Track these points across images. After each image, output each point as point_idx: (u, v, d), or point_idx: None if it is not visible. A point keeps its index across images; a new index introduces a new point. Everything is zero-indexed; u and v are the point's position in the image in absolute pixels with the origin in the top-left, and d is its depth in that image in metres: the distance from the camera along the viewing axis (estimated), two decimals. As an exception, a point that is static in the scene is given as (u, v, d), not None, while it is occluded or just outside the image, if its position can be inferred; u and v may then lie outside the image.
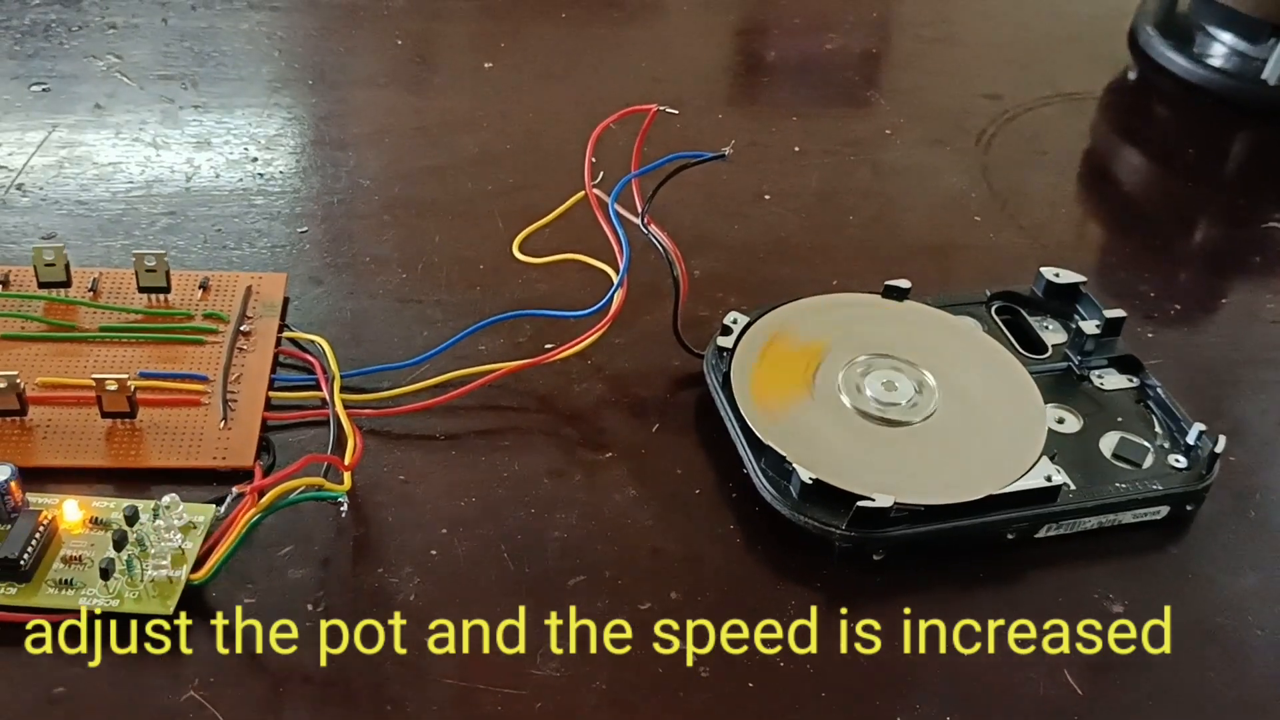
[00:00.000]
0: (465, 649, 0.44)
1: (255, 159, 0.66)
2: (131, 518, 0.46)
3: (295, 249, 0.60)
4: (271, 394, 0.52)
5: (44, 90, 0.70)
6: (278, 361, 0.54)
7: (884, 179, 0.69)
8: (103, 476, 0.49)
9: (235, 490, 0.43)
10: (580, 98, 0.74)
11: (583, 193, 0.57)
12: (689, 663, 0.44)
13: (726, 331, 0.54)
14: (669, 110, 0.54)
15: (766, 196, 0.66)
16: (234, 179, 0.65)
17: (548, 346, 0.55)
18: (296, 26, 0.79)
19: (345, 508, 0.44)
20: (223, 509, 0.45)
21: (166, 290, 0.55)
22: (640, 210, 0.54)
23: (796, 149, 0.70)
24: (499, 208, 0.64)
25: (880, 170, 0.70)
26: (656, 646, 0.45)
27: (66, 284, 0.55)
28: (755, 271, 0.61)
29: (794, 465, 0.48)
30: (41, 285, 0.55)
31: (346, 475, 0.46)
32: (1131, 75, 0.82)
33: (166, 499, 0.45)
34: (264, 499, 0.43)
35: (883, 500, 0.47)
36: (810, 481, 0.48)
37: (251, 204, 0.63)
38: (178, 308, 0.55)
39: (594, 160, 0.54)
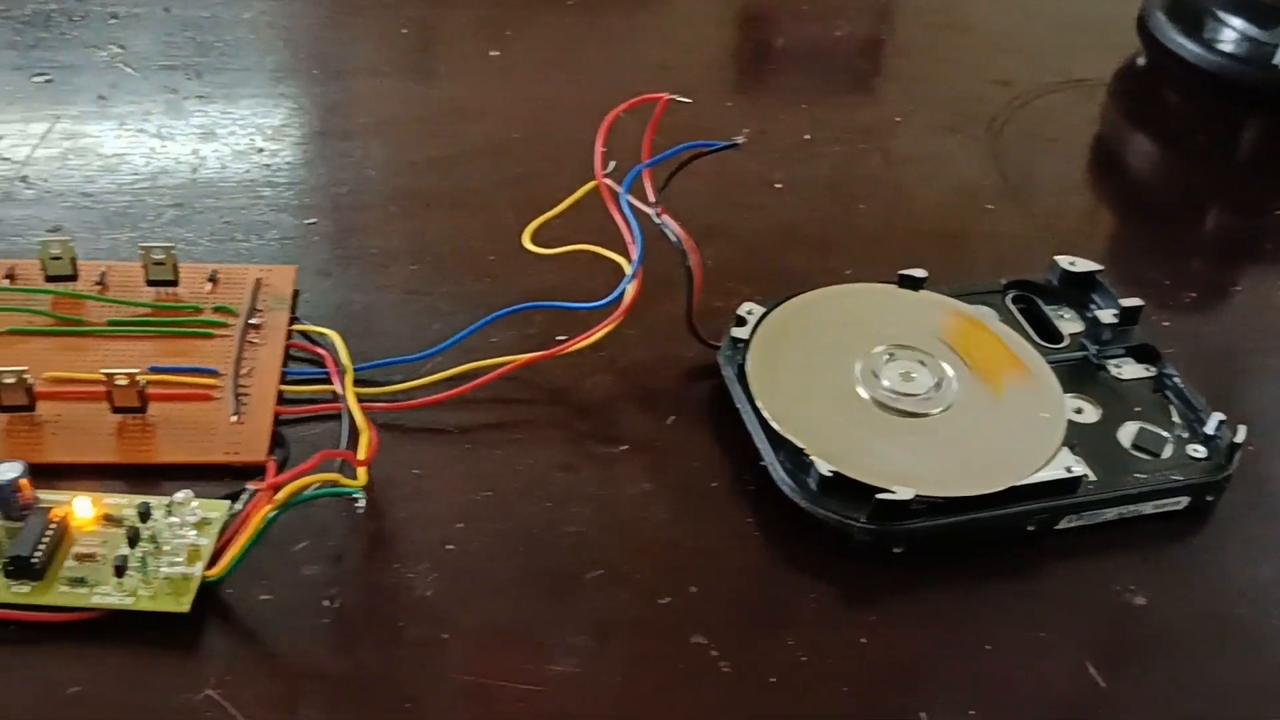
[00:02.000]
0: (483, 644, 0.44)
1: (261, 150, 0.65)
2: (145, 514, 0.45)
3: (304, 241, 0.60)
4: (283, 388, 0.52)
5: (46, 81, 0.69)
6: (288, 355, 0.53)
7: (895, 167, 0.69)
8: (113, 472, 0.48)
9: (250, 486, 0.42)
10: (588, 86, 0.74)
11: (593, 183, 0.56)
12: (710, 657, 0.44)
13: (741, 322, 0.54)
14: (680, 99, 0.54)
15: (777, 185, 0.66)
16: (240, 170, 0.64)
17: (559, 338, 0.55)
18: (299, 15, 0.79)
19: (362, 503, 0.44)
20: (238, 505, 0.44)
21: (174, 284, 0.55)
22: (653, 200, 0.54)
23: (806, 137, 0.69)
24: (508, 198, 0.63)
25: (891, 158, 0.69)
26: (676, 641, 0.44)
27: (74, 278, 0.54)
28: (767, 261, 0.61)
29: (812, 458, 0.48)
30: (49, 279, 0.54)
31: (362, 470, 0.45)
32: (1140, 61, 0.81)
33: (180, 495, 0.45)
34: (279, 495, 0.42)
35: (903, 492, 0.47)
36: (829, 474, 0.47)
37: (259, 196, 0.63)
38: (186, 301, 0.55)
39: (605, 150, 0.54)
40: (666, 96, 0.54)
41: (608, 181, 0.54)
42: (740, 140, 0.53)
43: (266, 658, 0.43)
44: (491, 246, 0.60)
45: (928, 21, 0.84)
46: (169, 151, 0.65)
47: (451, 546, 0.47)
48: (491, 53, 0.75)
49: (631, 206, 0.53)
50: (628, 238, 0.53)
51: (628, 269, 0.53)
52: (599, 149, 0.53)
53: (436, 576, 0.45)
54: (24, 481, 0.45)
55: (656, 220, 0.53)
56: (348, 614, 0.44)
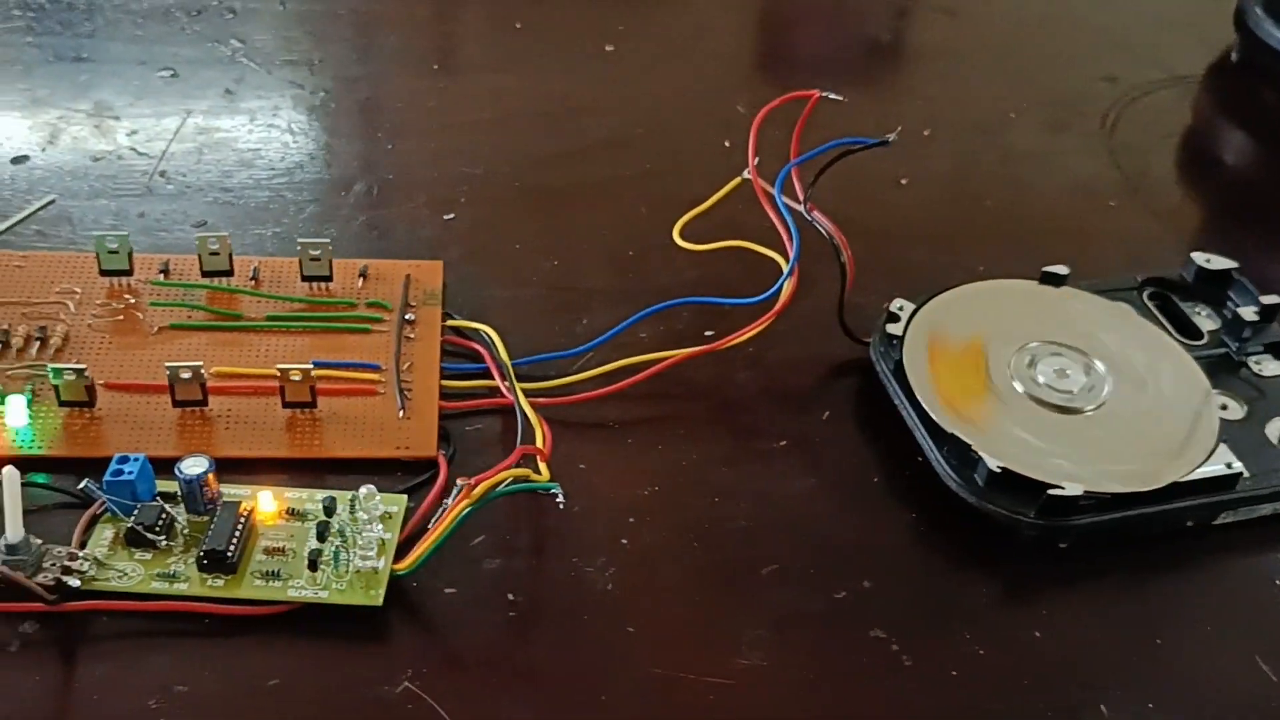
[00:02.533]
0: (667, 638, 0.44)
1: (390, 146, 0.66)
2: (329, 508, 0.46)
3: (443, 236, 0.60)
4: (443, 383, 0.52)
5: (172, 76, 0.70)
6: (443, 350, 0.54)
7: (1013, 163, 0.69)
8: (282, 466, 0.49)
9: (460, 482, 0.43)
10: (705, 79, 0.74)
11: (740, 178, 0.57)
12: (891, 651, 0.44)
13: (894, 319, 0.54)
14: (833, 96, 0.54)
15: (903, 181, 0.66)
16: (372, 165, 0.65)
17: (707, 334, 0.55)
18: (412, 9, 0.79)
19: (562, 499, 0.44)
20: (449, 500, 0.44)
21: (329, 279, 0.55)
22: (802, 198, 0.54)
23: (926, 133, 0.70)
24: (638, 193, 0.64)
25: (1009, 155, 0.70)
26: (857, 635, 0.45)
27: (230, 273, 0.55)
28: (901, 257, 0.61)
29: (981, 454, 0.48)
30: (204, 274, 0.55)
31: (543, 465, 0.46)
32: (1234, 57, 0.81)
33: (363, 490, 0.45)
34: (477, 491, 0.43)
35: (1072, 489, 0.47)
36: (998, 470, 0.48)
37: (393, 191, 0.63)
38: (340, 296, 0.55)
39: (754, 148, 0.54)
40: (818, 93, 0.54)
41: (760, 181, 0.55)
42: (891, 138, 0.53)
43: (458, 651, 0.43)
44: (628, 241, 0.61)
45: (1032, 16, 0.84)
46: (301, 146, 0.65)
47: (625, 541, 0.47)
48: (606, 48, 0.75)
49: (784, 204, 0.53)
50: (783, 235, 0.53)
51: (784, 266, 0.54)
52: (752, 145, 0.54)
53: (614, 571, 0.46)
54: (211, 476, 0.45)
55: (808, 217, 0.54)
56: (531, 608, 0.44)
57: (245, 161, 0.64)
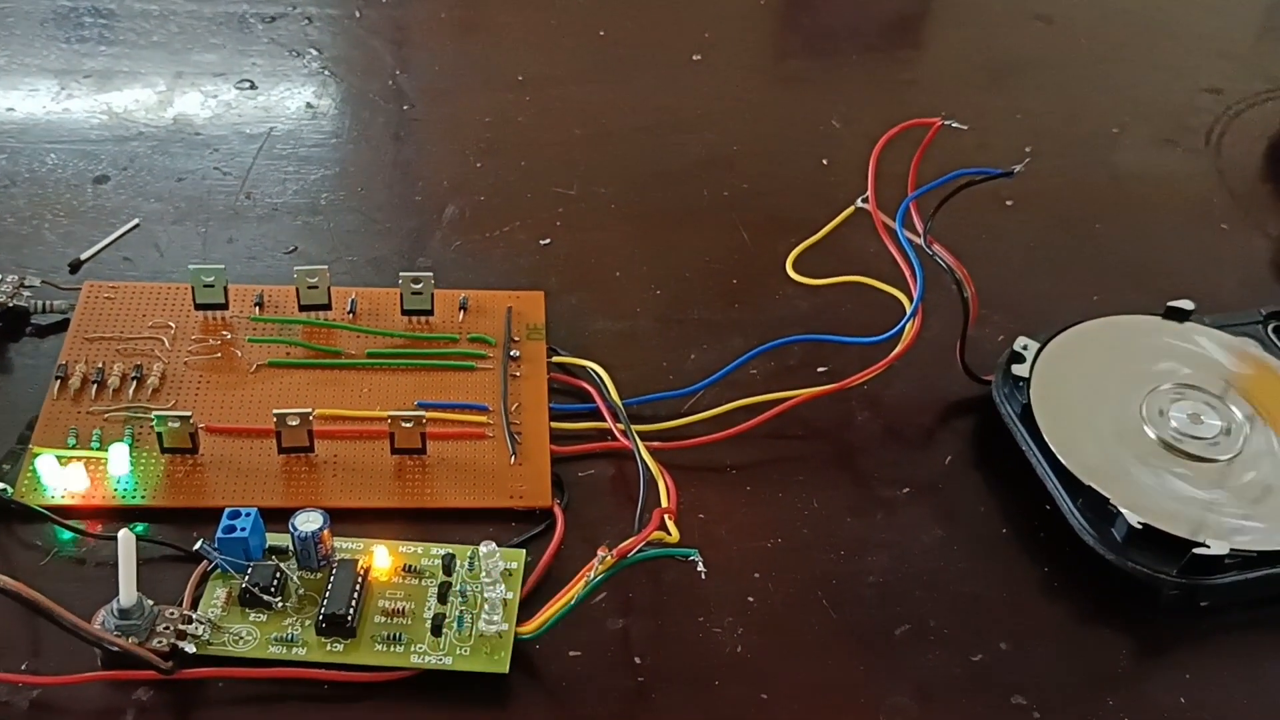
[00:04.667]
0: (805, 705, 0.42)
1: (480, 165, 0.64)
2: (448, 566, 0.44)
3: (540, 262, 0.58)
4: (552, 424, 0.50)
5: (251, 88, 0.68)
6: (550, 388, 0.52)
7: (1121, 183, 0.67)
8: (390, 515, 0.47)
9: (601, 553, 0.40)
10: (796, 92, 0.72)
11: (851, 208, 0.54)
12: (1034, 718, 0.42)
13: (1019, 359, 0.52)
14: (956, 125, 0.52)
15: (1009, 203, 0.64)
16: (463, 186, 0.63)
17: (820, 370, 0.53)
18: (489, 15, 0.76)
19: (703, 567, 0.42)
20: (593, 575, 0.41)
21: (430, 313, 0.53)
22: (922, 230, 0.52)
23: (1028, 149, 0.67)
24: (739, 218, 0.62)
25: (1116, 174, 0.67)
26: (998, 702, 0.43)
27: (328, 306, 0.53)
28: (1012, 285, 0.59)
29: (1120, 508, 0.46)
30: (302, 308, 0.53)
31: (672, 524, 0.44)
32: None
33: (484, 548, 0.43)
34: (611, 557, 0.41)
35: (1218, 547, 0.45)
36: (1139, 526, 0.46)
37: (486, 213, 0.61)
38: (441, 331, 0.53)
39: (874, 182, 0.52)
40: (940, 121, 0.52)
41: (868, 208, 0.53)
42: (1017, 169, 0.51)
43: (589, 718, 0.42)
44: (733, 269, 0.58)
45: (1130, 22, 0.81)
46: (389, 165, 0.63)
47: (753, 599, 0.45)
48: (694, 57, 0.73)
49: (906, 238, 0.51)
50: (905, 271, 0.51)
51: (904, 301, 0.51)
52: (871, 179, 0.51)
53: (743, 631, 0.44)
54: (326, 533, 0.43)
55: (928, 250, 0.52)
56: (660, 672, 0.43)
57: (333, 181, 0.61)
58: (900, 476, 0.50)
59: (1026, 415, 0.50)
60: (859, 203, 0.54)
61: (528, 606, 0.43)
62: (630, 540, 0.41)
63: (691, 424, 0.51)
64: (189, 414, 0.46)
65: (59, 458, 0.46)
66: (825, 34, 0.77)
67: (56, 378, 0.50)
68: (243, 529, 0.43)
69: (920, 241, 0.52)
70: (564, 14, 0.76)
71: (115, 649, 0.39)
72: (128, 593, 0.41)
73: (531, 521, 0.47)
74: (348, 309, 0.53)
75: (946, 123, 0.52)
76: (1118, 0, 0.83)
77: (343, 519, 0.46)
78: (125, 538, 0.40)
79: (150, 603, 0.42)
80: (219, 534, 0.43)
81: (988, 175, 0.52)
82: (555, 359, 0.53)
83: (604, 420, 0.50)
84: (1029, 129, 0.69)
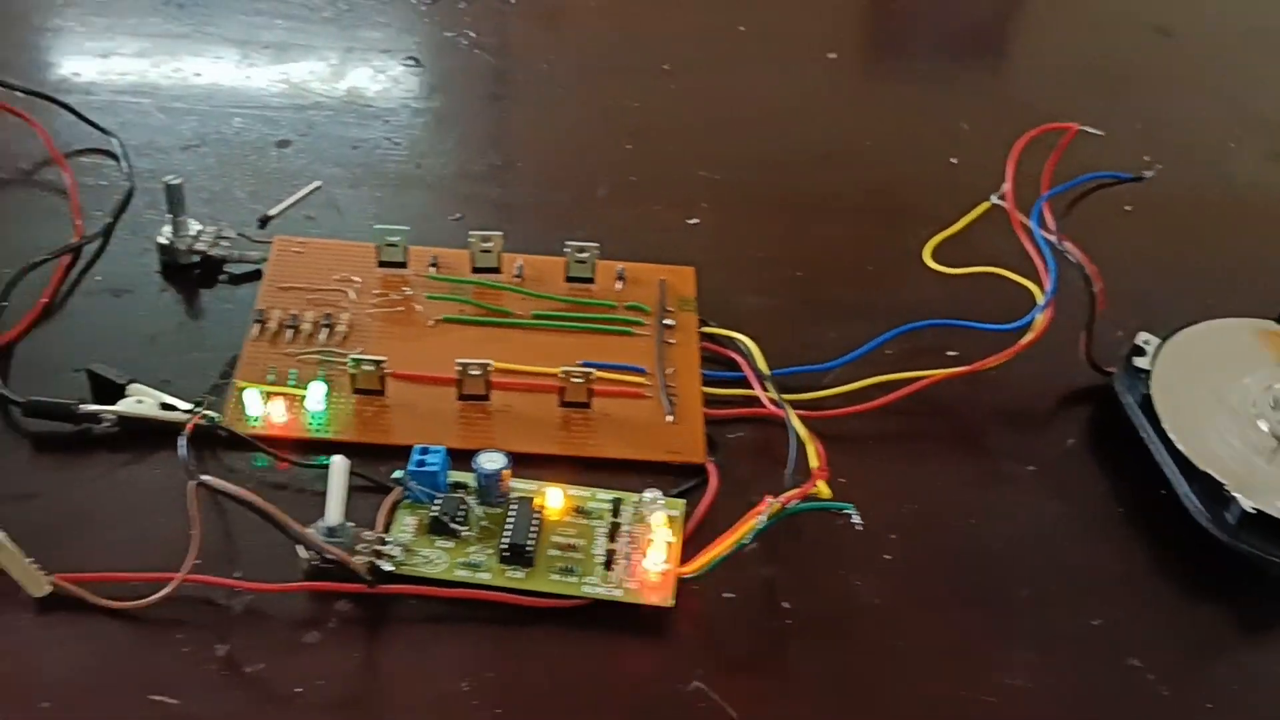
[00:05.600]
0: (935, 654, 0.46)
1: (629, 147, 0.68)
2: (616, 509, 0.48)
3: (687, 240, 0.62)
4: (704, 389, 0.54)
5: (416, 65, 0.72)
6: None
7: (1238, 194, 0.70)
8: (555, 462, 0.51)
9: (770, 500, 0.45)
10: (925, 92, 0.75)
11: (986, 204, 0.58)
12: (1147, 680, 0.46)
13: (1140, 352, 0.56)
14: (1092, 131, 0.55)
15: (1127, 208, 0.67)
16: (613, 166, 0.67)
17: (950, 354, 0.57)
18: (633, 7, 0.81)
19: (858, 520, 0.47)
20: (762, 518, 0.45)
21: (592, 281, 0.58)
22: (1054, 228, 0.56)
23: (1146, 158, 0.71)
24: (871, 207, 0.66)
25: (1233, 185, 0.71)
26: (1114, 663, 0.47)
27: (498, 270, 0.58)
28: (1132, 285, 0.61)
29: (1234, 494, 0.50)
30: (475, 270, 0.58)
31: (822, 483, 0.48)
32: None
33: (648, 494, 0.48)
34: (774, 506, 0.45)
35: (1327, 533, 0.49)
36: (1252, 511, 0.49)
37: (641, 194, 0.65)
38: (600, 298, 0.58)
39: (1012, 180, 0.55)
40: (1076, 127, 0.55)
41: (1003, 204, 0.56)
42: (1148, 174, 0.55)
43: (740, 654, 0.46)
44: (868, 256, 0.62)
45: (1246, 31, 0.84)
46: (546, 143, 0.68)
47: (889, 557, 0.49)
48: (829, 55, 0.77)
49: (1041, 234, 0.55)
50: (1038, 265, 0.55)
51: (1037, 294, 0.55)
52: (1009, 177, 0.55)
53: (880, 585, 0.48)
54: (506, 472, 0.48)
55: (1059, 247, 0.55)
56: (806, 617, 0.47)
57: (493, 156, 0.66)
58: (1023, 455, 0.54)
59: (1146, 405, 0.54)
60: (993, 199, 0.58)
61: (685, 552, 0.47)
62: (793, 491, 0.45)
63: (830, 397, 0.55)
64: (383, 359, 0.51)
65: (263, 392, 0.51)
66: (949, 39, 0.81)
67: (256, 321, 0.54)
68: (433, 464, 0.48)
69: (1053, 239, 0.56)
70: (705, 8, 0.80)
71: (332, 558, 0.44)
72: (336, 512, 0.45)
73: (686, 476, 0.51)
74: (515, 273, 0.58)
75: (1083, 128, 0.56)
76: (1235, 15, 0.86)
77: (513, 463, 0.50)
78: (340, 462, 0.45)
79: (351, 524, 0.46)
80: (410, 467, 0.48)
81: (1118, 179, 0.56)
82: (705, 329, 0.57)
83: (751, 388, 0.54)
84: (1147, 138, 0.72)
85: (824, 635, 0.46)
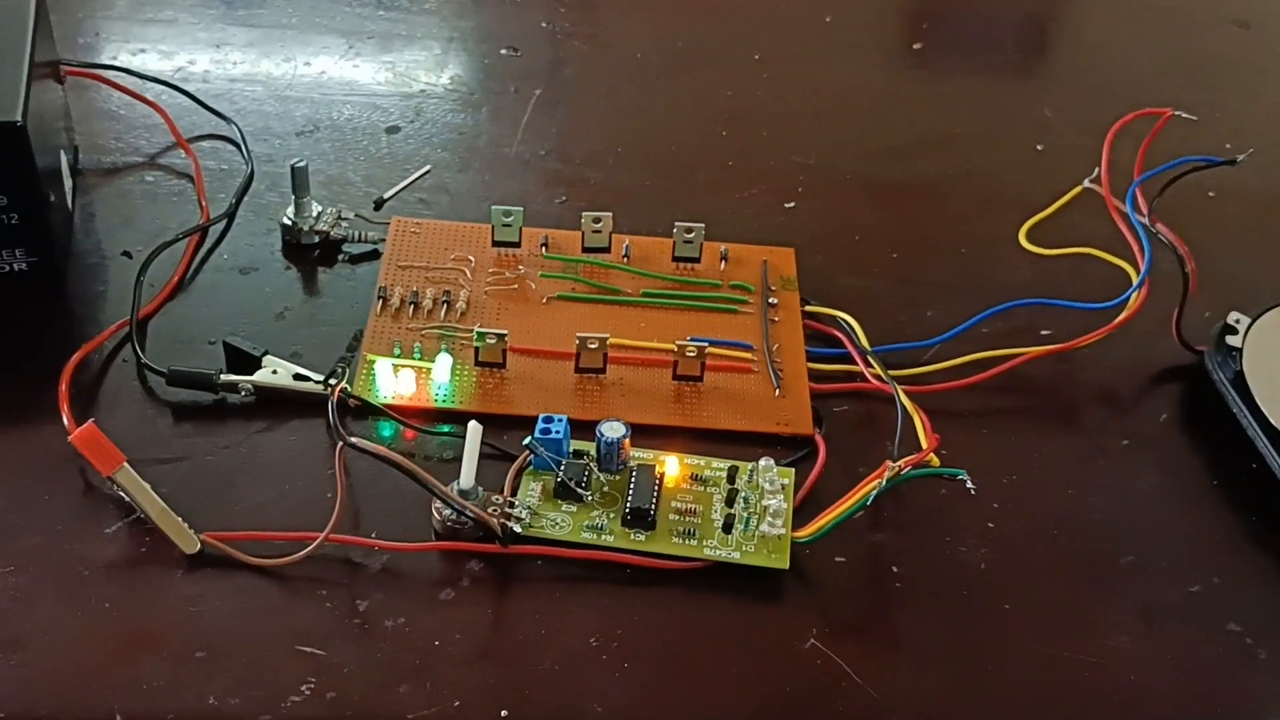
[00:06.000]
0: (1042, 617, 0.48)
1: (724, 134, 0.70)
2: (732, 476, 0.50)
3: (785, 224, 0.64)
4: (809, 365, 0.56)
5: (514, 52, 0.75)
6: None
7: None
8: (670, 433, 0.53)
9: (890, 464, 0.47)
10: (1010, 81, 0.77)
11: (1079, 188, 0.60)
12: (1246, 644, 0.48)
13: (1231, 330, 0.57)
14: (1186, 116, 0.57)
15: (1210, 194, 0.69)
16: (710, 151, 0.69)
17: (1044, 333, 0.59)
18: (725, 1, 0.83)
19: (971, 484, 0.48)
20: (882, 481, 0.47)
21: (698, 260, 0.60)
22: (1146, 211, 0.57)
23: (1228, 146, 0.72)
24: (964, 191, 0.68)
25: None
26: (1214, 627, 0.48)
27: (607, 250, 0.60)
28: (1216, 268, 0.62)
29: (1326, 467, 0.51)
30: (585, 250, 0.60)
31: (932, 454, 0.50)
32: None
33: (763, 462, 0.50)
34: (889, 473, 0.47)
35: None
36: (1344, 483, 0.51)
37: (738, 178, 0.67)
38: (705, 277, 0.60)
39: (1107, 163, 0.57)
40: (1170, 112, 0.57)
41: (1096, 188, 0.58)
42: (1240, 158, 0.56)
43: (853, 615, 0.48)
44: (961, 239, 0.64)
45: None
46: (642, 131, 0.70)
47: (992, 525, 0.51)
48: (915, 45, 0.79)
49: (1135, 217, 0.56)
50: (1133, 246, 0.56)
51: (1131, 274, 0.57)
52: (1104, 160, 0.57)
53: (985, 551, 0.50)
54: (626, 440, 0.50)
55: (1152, 229, 0.57)
56: (914, 581, 0.49)
57: (594, 141, 0.68)
58: (1118, 431, 0.56)
59: (1239, 381, 0.55)
60: (1087, 183, 0.60)
61: (796, 519, 0.49)
62: (908, 458, 0.48)
63: (929, 373, 0.56)
64: (505, 332, 0.53)
65: (393, 365, 0.53)
66: (1028, 31, 0.83)
67: (379, 298, 0.57)
68: (557, 431, 0.50)
69: (1146, 221, 0.57)
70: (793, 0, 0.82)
71: (470, 516, 0.46)
72: (469, 476, 0.48)
73: (794, 447, 0.53)
74: (623, 253, 0.60)
75: (1176, 113, 0.57)
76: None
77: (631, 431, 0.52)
78: (474, 428, 0.48)
79: (481, 488, 0.48)
80: (536, 434, 0.50)
81: (1211, 163, 0.57)
82: (807, 308, 0.59)
83: (855, 364, 0.56)
84: (1229, 126, 0.74)
85: (932, 598, 0.48)
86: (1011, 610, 0.48)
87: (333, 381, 0.52)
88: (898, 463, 0.47)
